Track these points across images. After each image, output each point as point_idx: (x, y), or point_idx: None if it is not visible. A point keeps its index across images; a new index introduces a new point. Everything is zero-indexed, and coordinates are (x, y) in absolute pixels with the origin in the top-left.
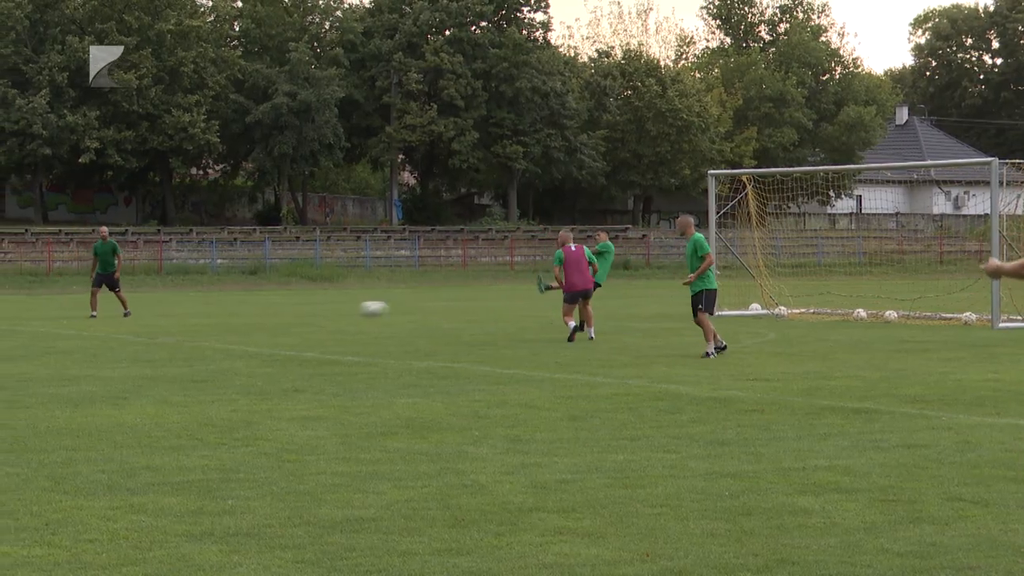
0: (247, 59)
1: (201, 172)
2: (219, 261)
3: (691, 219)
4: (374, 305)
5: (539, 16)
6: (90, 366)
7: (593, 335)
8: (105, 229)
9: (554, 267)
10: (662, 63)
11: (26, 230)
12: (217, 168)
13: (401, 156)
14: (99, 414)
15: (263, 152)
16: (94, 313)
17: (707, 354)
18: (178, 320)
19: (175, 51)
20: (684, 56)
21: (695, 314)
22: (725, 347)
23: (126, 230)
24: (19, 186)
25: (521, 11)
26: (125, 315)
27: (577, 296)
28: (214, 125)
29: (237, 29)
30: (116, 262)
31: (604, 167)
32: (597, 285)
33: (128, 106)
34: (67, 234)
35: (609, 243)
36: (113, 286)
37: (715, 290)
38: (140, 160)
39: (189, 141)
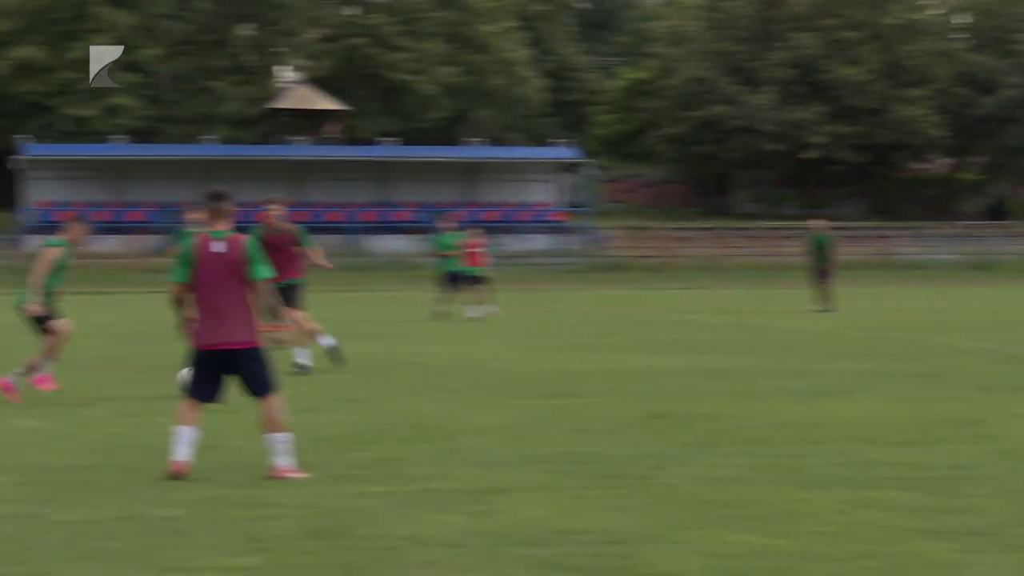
0: (974, 51)
1: (925, 166)
2: (946, 256)
3: None
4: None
5: None
6: (817, 360)
7: None
8: (818, 222)
9: None
10: None
11: (753, 225)
12: (943, 162)
13: None
14: (828, 408)
15: (990, 145)
16: (822, 307)
17: None
18: (905, 315)
19: (899, 45)
20: None
21: None
22: None
23: (850, 225)
24: (745, 182)
25: None
26: (822, 311)
27: None
28: (940, 119)
29: (966, 21)
30: (826, 255)
31: None
32: None
33: (853, 101)
34: (792, 229)
35: None
36: (823, 278)
37: None
38: (864, 155)
39: (913, 135)
